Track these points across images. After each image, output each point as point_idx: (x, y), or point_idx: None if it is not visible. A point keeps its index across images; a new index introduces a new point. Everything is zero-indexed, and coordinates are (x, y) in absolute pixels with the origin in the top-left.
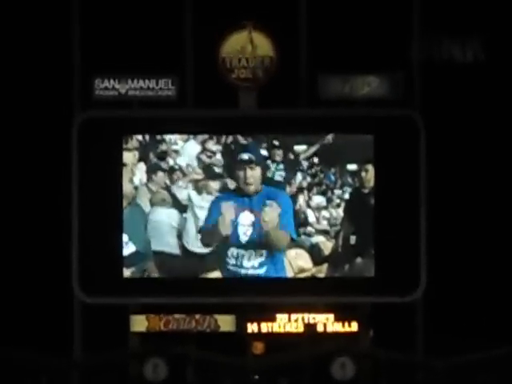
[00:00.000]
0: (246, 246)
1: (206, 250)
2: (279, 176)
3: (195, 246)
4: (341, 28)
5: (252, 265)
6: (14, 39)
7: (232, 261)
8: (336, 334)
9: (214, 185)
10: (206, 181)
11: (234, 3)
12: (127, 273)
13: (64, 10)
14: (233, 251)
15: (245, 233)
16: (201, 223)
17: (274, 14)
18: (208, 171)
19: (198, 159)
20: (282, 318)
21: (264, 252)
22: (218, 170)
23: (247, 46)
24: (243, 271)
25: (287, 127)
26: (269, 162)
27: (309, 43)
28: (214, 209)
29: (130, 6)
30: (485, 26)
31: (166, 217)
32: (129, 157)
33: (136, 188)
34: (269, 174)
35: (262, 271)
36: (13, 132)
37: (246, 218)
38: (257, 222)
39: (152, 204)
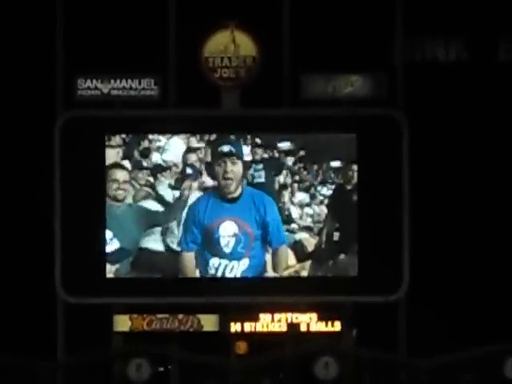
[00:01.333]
0: (230, 257)
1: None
2: (260, 177)
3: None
4: (324, 27)
5: (234, 275)
6: None
7: (212, 270)
8: (319, 334)
9: (194, 184)
10: (187, 179)
11: (217, 3)
12: (111, 271)
13: (47, 10)
14: (214, 261)
15: (226, 244)
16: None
17: (256, 14)
18: (188, 169)
19: (182, 157)
20: (265, 317)
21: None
22: (197, 167)
23: (230, 46)
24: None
25: (270, 126)
26: (250, 161)
27: (292, 43)
28: (191, 216)
29: (113, 5)
30: (467, 25)
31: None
32: (112, 154)
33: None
34: (249, 178)
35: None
36: None
37: (228, 229)
38: (240, 232)
39: (135, 201)
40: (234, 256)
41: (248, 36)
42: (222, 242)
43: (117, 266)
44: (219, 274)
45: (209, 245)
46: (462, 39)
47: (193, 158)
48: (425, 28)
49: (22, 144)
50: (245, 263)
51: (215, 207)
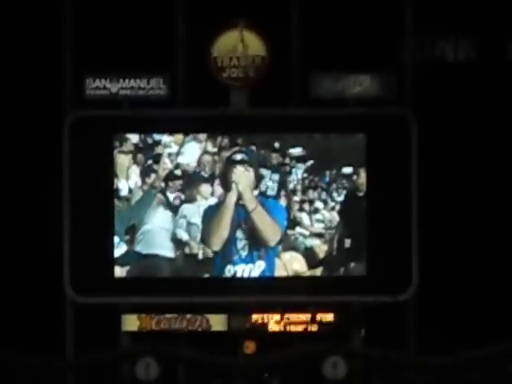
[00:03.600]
0: (246, 261)
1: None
2: (271, 189)
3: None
4: (332, 27)
5: (248, 277)
6: (5, 38)
7: (228, 275)
8: (328, 333)
9: (206, 190)
10: (197, 186)
11: (226, 2)
12: (119, 272)
13: (56, 10)
14: (229, 268)
15: (243, 248)
16: (194, 229)
17: (265, 14)
18: (199, 175)
19: (197, 163)
20: (273, 317)
21: (263, 263)
22: (208, 173)
23: (238, 46)
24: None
25: (279, 126)
26: (262, 169)
27: (300, 42)
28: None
29: (121, 5)
30: (476, 24)
31: (159, 219)
32: (124, 160)
33: (130, 191)
34: (262, 188)
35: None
36: (3, 131)
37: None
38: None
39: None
40: (250, 259)
41: (257, 36)
42: (239, 245)
43: (126, 268)
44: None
45: (223, 251)
46: (471, 39)
47: (208, 159)
48: (434, 27)
49: (31, 143)
50: (260, 265)
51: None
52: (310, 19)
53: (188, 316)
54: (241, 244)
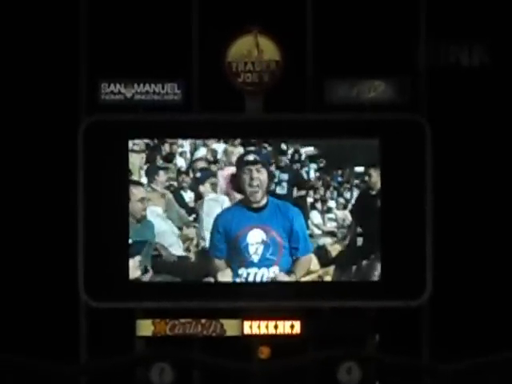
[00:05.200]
0: (259, 265)
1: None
2: (282, 188)
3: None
4: (347, 32)
5: (262, 282)
6: (20, 42)
7: (241, 279)
8: (342, 338)
9: (206, 186)
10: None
11: (240, 8)
12: (134, 275)
13: (71, 14)
14: (242, 271)
15: (255, 252)
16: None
17: (280, 19)
18: (198, 173)
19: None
20: (288, 322)
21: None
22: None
23: (253, 51)
24: None
25: (294, 131)
26: (272, 168)
27: (315, 47)
28: (217, 227)
29: (136, 10)
30: (491, 30)
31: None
32: (136, 159)
33: None
34: (272, 187)
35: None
36: (18, 136)
37: (256, 236)
38: (269, 239)
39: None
40: (263, 263)
41: (271, 41)
42: (251, 249)
43: (138, 257)
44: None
45: (236, 255)
46: (485, 44)
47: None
48: (448, 33)
49: (46, 149)
50: (275, 271)
51: (241, 217)
52: (324, 24)
53: (203, 321)
54: (254, 247)
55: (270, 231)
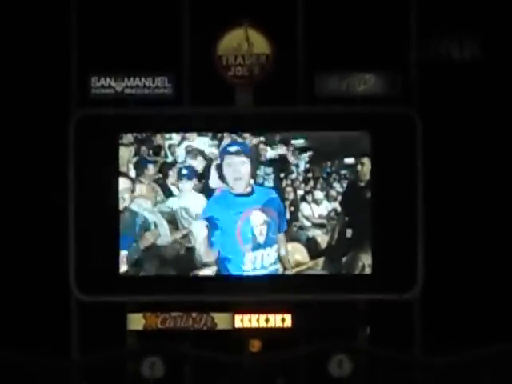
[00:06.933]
0: (264, 246)
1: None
2: (269, 180)
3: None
4: (338, 25)
5: (270, 262)
6: (10, 37)
7: (249, 266)
8: (333, 331)
9: (190, 184)
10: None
11: (231, 1)
12: (124, 268)
13: (61, 9)
14: (249, 256)
15: (261, 233)
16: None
17: (270, 12)
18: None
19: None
20: (278, 315)
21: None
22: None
23: (243, 44)
24: (263, 271)
25: (284, 125)
26: (258, 162)
27: (305, 40)
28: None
29: (126, 4)
30: (482, 24)
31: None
32: (124, 152)
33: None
34: (259, 180)
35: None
36: (9, 130)
37: (258, 218)
38: (269, 218)
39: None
40: (268, 243)
41: (262, 34)
42: (256, 231)
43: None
44: (258, 267)
45: (237, 243)
46: (476, 38)
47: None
48: (439, 26)
49: (36, 143)
50: (276, 249)
51: (232, 203)
52: (315, 17)
53: (193, 315)
54: (259, 228)
55: (268, 211)
